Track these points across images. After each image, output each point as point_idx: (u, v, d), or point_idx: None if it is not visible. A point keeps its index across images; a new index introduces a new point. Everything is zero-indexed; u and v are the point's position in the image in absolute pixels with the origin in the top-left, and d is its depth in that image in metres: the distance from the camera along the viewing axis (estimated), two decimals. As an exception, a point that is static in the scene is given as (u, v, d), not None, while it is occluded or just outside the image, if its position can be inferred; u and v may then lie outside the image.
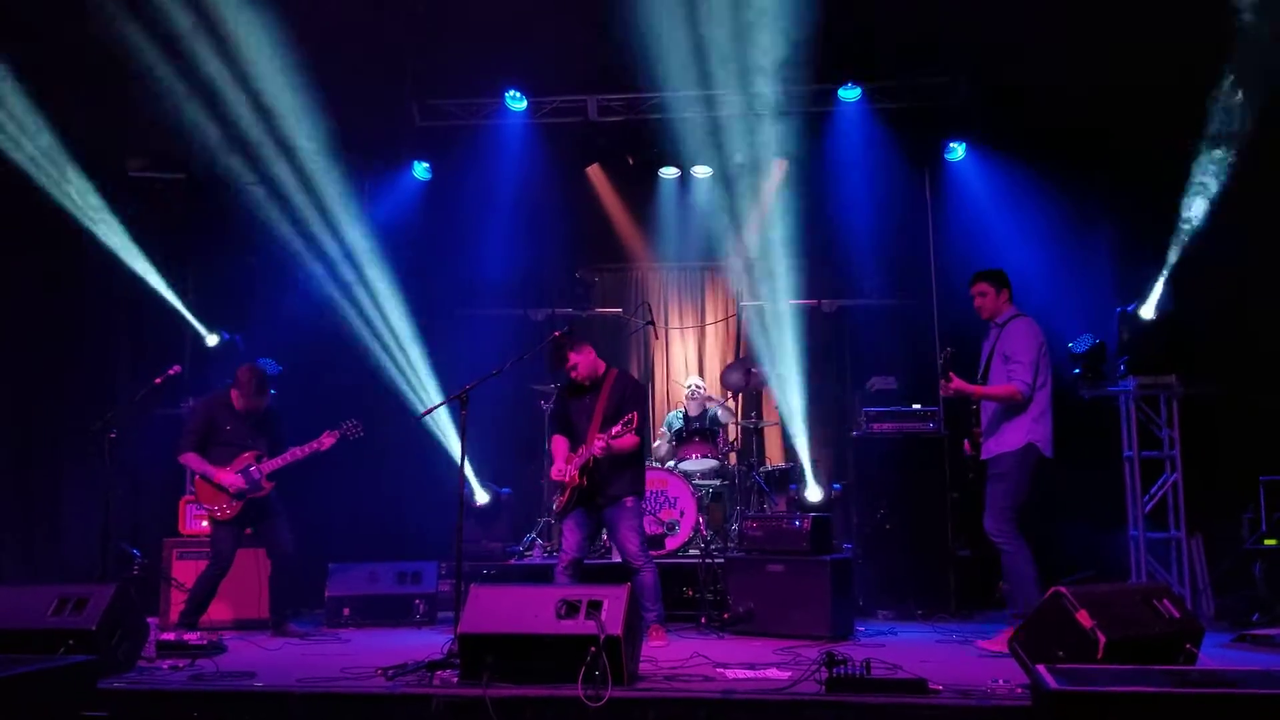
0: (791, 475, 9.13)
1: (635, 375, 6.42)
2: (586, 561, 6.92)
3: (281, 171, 9.40)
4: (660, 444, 9.15)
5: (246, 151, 9.23)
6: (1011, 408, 6.12)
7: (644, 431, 6.69)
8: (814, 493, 8.84)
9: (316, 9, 8.52)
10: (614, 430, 6.34)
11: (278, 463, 7.09)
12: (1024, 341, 6.12)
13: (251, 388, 7.12)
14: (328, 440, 7.16)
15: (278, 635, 7.03)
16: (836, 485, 8.60)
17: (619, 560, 8.05)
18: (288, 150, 9.20)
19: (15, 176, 8.59)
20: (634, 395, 6.67)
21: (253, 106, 8.95)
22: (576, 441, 6.72)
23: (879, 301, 10.08)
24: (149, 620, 5.89)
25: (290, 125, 9.07)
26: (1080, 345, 8.05)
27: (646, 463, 8.71)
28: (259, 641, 6.80)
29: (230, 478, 6.96)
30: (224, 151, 9.18)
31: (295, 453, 7.13)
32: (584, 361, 6.67)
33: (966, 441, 6.50)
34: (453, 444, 9.05)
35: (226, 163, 9.22)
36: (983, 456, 6.28)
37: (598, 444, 6.37)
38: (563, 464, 6.64)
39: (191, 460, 7.05)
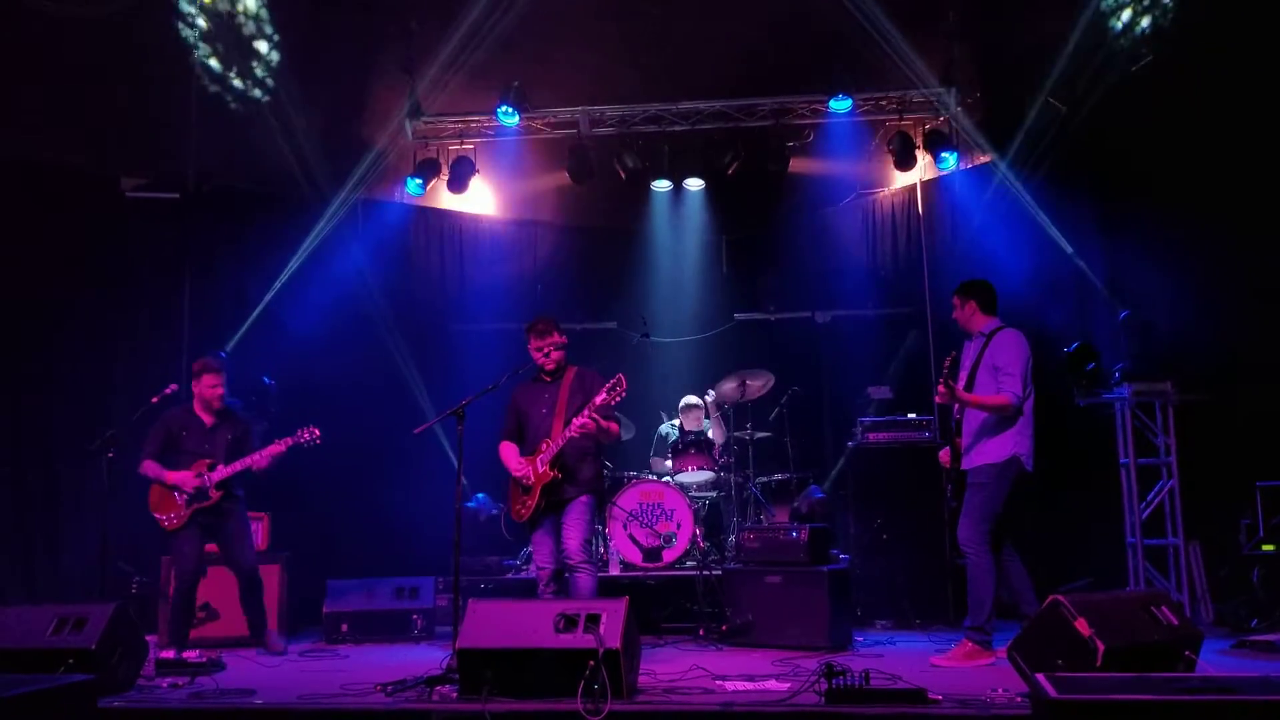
0: (788, 486, 9.11)
1: (630, 387, 6.25)
2: None
3: (276, 188, 9.43)
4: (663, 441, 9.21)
5: (241, 170, 9.28)
6: (999, 420, 6.11)
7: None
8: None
9: (311, 27, 8.57)
10: (599, 399, 6.02)
11: (227, 471, 6.94)
12: (1014, 353, 6.12)
13: (206, 369, 7.10)
14: (279, 447, 6.97)
15: (265, 650, 6.99)
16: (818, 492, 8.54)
17: (615, 573, 8.08)
18: (282, 167, 9.23)
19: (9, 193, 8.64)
20: (600, 384, 6.25)
21: (247, 124, 9.00)
22: (531, 437, 6.40)
23: (873, 312, 10.11)
24: (148, 639, 5.88)
25: (284, 142, 9.11)
26: (1069, 349, 8.09)
27: (643, 474, 8.74)
28: (258, 659, 6.79)
29: (180, 476, 6.88)
30: (219, 170, 9.22)
31: (246, 461, 6.96)
32: (562, 352, 6.44)
33: (944, 452, 6.45)
34: (451, 458, 9.03)
35: (221, 181, 9.27)
36: (965, 466, 6.24)
37: (578, 421, 6.05)
38: (520, 463, 6.32)
39: (149, 468, 6.97)
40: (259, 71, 8.93)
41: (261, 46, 8.89)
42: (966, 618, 6.12)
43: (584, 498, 6.31)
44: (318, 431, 7.04)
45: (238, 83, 8.89)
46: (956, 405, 6.24)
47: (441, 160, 10.26)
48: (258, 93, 8.94)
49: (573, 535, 6.22)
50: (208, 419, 7.17)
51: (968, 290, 6.45)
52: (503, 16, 8.69)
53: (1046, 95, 8.69)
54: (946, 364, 6.13)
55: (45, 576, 8.57)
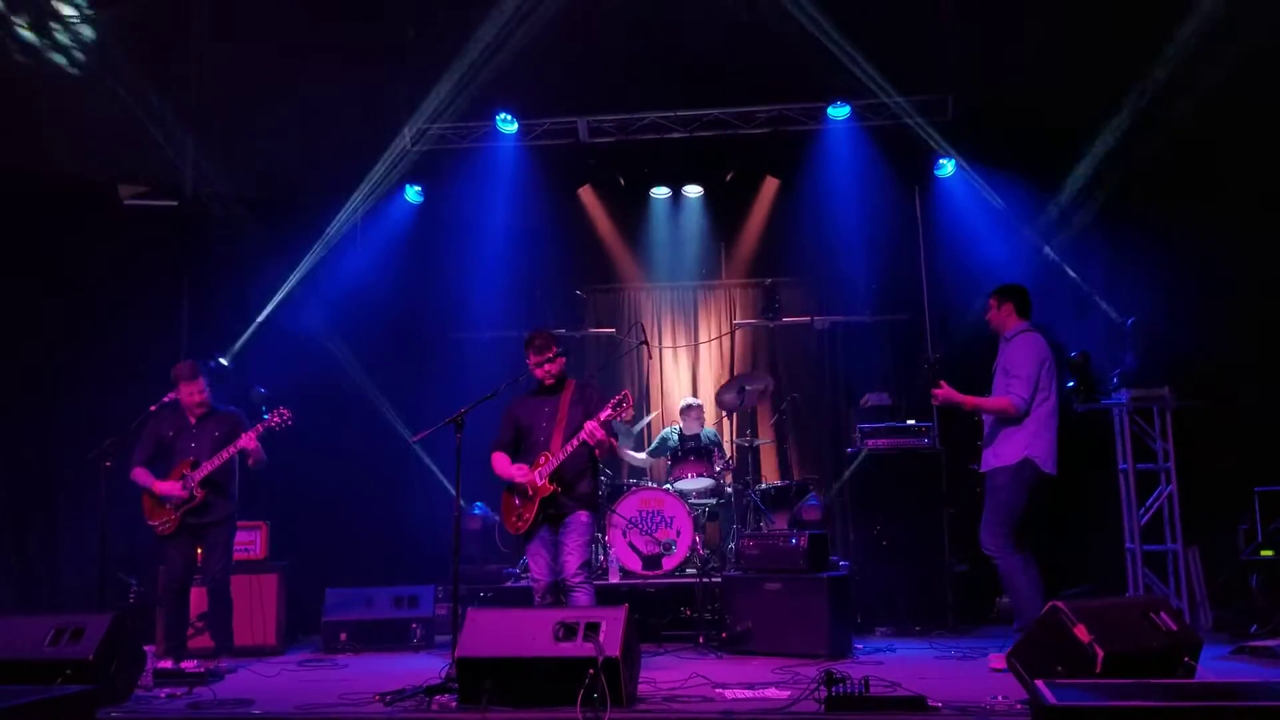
0: (787, 493, 9.11)
1: (631, 395, 6.18)
2: None
3: (275, 196, 9.43)
4: (651, 452, 9.21)
5: (239, 177, 9.28)
6: (1008, 421, 6.12)
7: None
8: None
9: (311, 36, 8.57)
10: (604, 414, 5.93)
11: (206, 468, 6.83)
12: (1025, 356, 6.14)
13: (179, 379, 7.02)
14: (249, 438, 6.84)
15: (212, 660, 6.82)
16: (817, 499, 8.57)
17: (614, 580, 8.07)
18: (280, 175, 9.24)
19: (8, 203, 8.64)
20: (600, 398, 6.18)
21: (245, 132, 9.01)
22: (529, 450, 6.25)
23: (872, 318, 10.10)
24: (146, 649, 5.86)
25: (282, 150, 9.11)
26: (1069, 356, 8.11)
27: (642, 481, 8.74)
28: (256, 669, 6.77)
29: (167, 487, 6.81)
30: (217, 178, 9.23)
31: (222, 455, 6.83)
32: (560, 363, 6.31)
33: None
34: (449, 467, 8.99)
35: (220, 189, 9.27)
36: (982, 469, 6.29)
37: (586, 428, 5.94)
38: (523, 470, 6.12)
39: (139, 475, 6.93)
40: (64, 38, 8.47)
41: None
42: (1016, 620, 6.12)
43: (582, 514, 6.15)
44: (288, 413, 6.90)
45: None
46: (964, 404, 6.27)
47: (440, 168, 10.26)
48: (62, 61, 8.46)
49: (572, 558, 6.04)
50: (192, 416, 7.12)
51: (1005, 293, 6.46)
52: (501, 24, 8.70)
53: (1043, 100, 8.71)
54: (929, 367, 6.17)
55: (43, 586, 8.57)
